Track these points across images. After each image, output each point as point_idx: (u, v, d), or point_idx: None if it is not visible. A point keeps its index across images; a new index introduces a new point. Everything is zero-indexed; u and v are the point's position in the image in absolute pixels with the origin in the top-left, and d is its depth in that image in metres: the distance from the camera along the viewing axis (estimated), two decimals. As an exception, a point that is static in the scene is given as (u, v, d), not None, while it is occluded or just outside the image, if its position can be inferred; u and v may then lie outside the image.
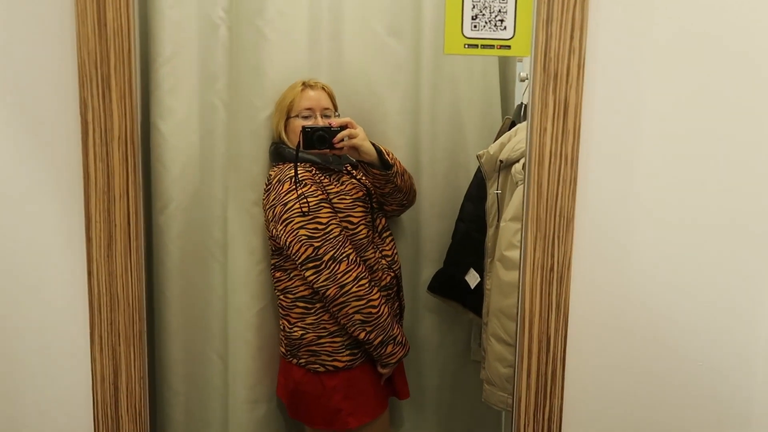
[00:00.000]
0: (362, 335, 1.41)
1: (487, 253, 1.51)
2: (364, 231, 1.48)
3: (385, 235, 1.55)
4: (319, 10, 1.61)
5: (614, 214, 1.04)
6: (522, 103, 1.49)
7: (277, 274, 1.48)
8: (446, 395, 1.77)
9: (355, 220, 1.46)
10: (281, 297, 1.49)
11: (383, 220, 1.55)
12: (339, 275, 1.38)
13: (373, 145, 1.49)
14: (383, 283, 1.49)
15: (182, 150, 1.59)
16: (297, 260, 1.39)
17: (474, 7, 0.94)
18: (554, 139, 0.99)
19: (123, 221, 0.99)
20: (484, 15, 0.96)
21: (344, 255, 1.39)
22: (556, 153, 0.99)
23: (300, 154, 1.47)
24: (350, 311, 1.39)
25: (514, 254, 1.33)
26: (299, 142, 1.44)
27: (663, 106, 1.01)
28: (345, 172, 1.53)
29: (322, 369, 1.46)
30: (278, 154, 1.52)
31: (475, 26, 0.96)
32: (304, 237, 1.38)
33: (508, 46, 0.96)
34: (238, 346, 1.60)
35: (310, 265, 1.38)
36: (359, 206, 1.48)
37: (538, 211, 1.01)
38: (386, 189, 1.53)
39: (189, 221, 1.60)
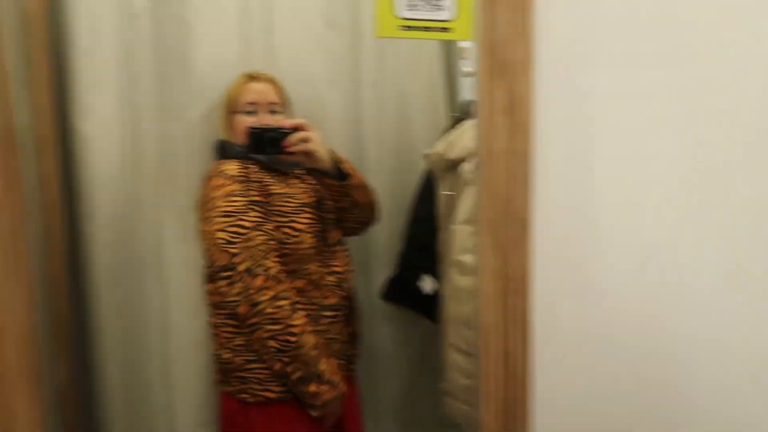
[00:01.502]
0: (278, 366, 1.16)
1: (441, 258, 1.38)
2: (311, 240, 1.23)
3: (337, 249, 1.32)
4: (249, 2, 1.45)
5: (576, 215, 0.91)
6: (469, 99, 1.35)
7: (208, 286, 1.25)
8: (404, 407, 1.64)
9: (299, 227, 1.22)
10: (212, 313, 1.27)
11: (337, 234, 1.33)
12: (252, 291, 1.13)
13: (330, 152, 1.28)
14: (327, 302, 1.25)
15: (107, 153, 1.43)
16: (212, 267, 1.17)
17: (410, -17, 0.79)
18: (504, 134, 0.85)
19: (4, 237, 0.81)
20: (420, -7, 0.81)
21: (262, 268, 1.14)
22: (507, 149, 0.86)
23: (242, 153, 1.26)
24: (263, 335, 1.14)
25: (469, 259, 1.20)
26: (247, 143, 1.23)
27: (625, 93, 0.88)
28: (294, 174, 1.31)
29: (251, 399, 1.21)
30: (223, 150, 1.31)
31: (411, 6, 0.82)
32: (221, 241, 1.14)
33: (448, 29, 0.82)
34: (180, 365, 1.45)
35: (224, 274, 1.13)
36: (307, 212, 1.24)
37: (490, 213, 0.87)
38: (343, 203, 1.31)
39: (119, 230, 1.45)
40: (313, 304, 1.23)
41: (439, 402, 1.39)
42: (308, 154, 1.23)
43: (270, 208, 1.20)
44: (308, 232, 1.23)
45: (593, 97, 0.88)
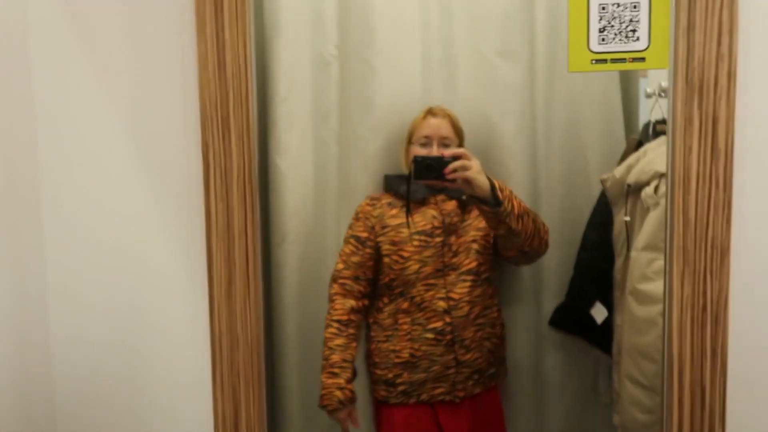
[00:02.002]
0: None
1: (616, 286, 1.34)
2: (415, 267, 1.38)
3: (459, 275, 1.40)
4: (428, 37, 1.55)
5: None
6: (650, 120, 1.32)
7: None
8: (573, 439, 1.60)
9: (406, 255, 1.39)
10: None
11: (471, 262, 1.41)
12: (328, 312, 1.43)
13: (489, 179, 1.35)
14: (430, 325, 1.38)
15: (298, 184, 1.59)
16: None
17: (601, 18, 0.82)
18: (702, 160, 0.84)
19: (242, 260, 0.96)
20: (613, 26, 0.84)
21: (331, 296, 1.43)
22: (705, 175, 0.84)
23: (398, 184, 1.43)
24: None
25: (649, 287, 1.17)
26: (410, 171, 1.36)
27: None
28: (429, 202, 1.44)
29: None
30: (385, 184, 1.48)
31: (603, 39, 0.84)
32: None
33: (643, 59, 0.83)
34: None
35: None
36: (418, 240, 1.39)
37: (685, 241, 0.85)
38: (499, 230, 1.38)
39: (304, 254, 1.57)
40: (416, 324, 1.39)
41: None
42: (467, 181, 1.32)
43: (379, 238, 1.41)
44: (415, 259, 1.38)
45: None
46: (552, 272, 1.57)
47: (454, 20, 1.56)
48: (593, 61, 0.85)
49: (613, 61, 0.85)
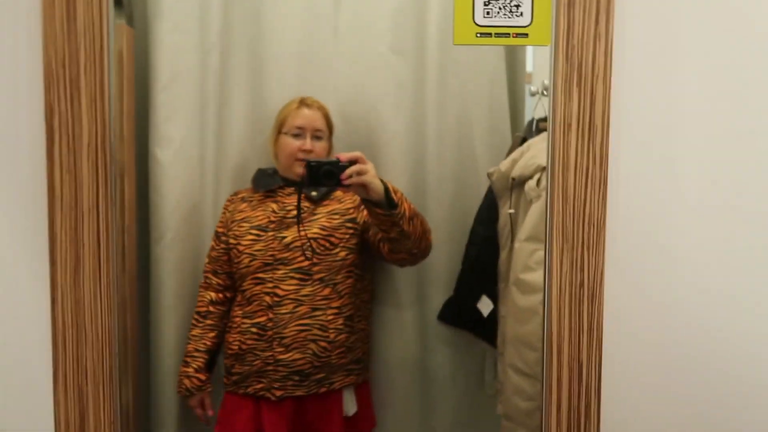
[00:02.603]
0: None
1: (500, 278, 1.33)
2: (246, 260, 1.37)
3: (288, 271, 1.37)
4: (316, 28, 1.49)
5: (652, 219, 0.86)
6: (533, 118, 1.34)
7: None
8: (461, 433, 1.57)
9: (241, 248, 1.36)
10: None
11: (303, 260, 1.36)
12: None
13: (383, 182, 1.31)
14: (256, 320, 1.35)
15: (178, 178, 1.47)
16: None
17: (485, -9, 0.79)
18: (580, 137, 0.83)
19: (92, 241, 0.82)
20: (497, 1, 0.81)
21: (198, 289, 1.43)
22: (583, 152, 0.83)
23: (260, 179, 1.40)
24: None
25: (531, 277, 1.16)
26: (302, 177, 1.29)
27: (705, 92, 0.85)
28: (277, 194, 1.40)
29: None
30: (254, 180, 1.43)
31: (488, 13, 0.82)
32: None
33: (526, 34, 0.82)
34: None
35: None
36: (252, 235, 1.37)
37: (563, 219, 0.84)
38: (392, 233, 1.34)
39: (184, 251, 1.46)
40: (245, 317, 1.37)
41: (497, 426, 1.32)
42: (363, 186, 1.27)
43: (229, 233, 1.39)
44: (247, 253, 1.35)
45: (675, 96, 0.85)
46: (441, 268, 1.54)
47: (344, 12, 1.51)
48: (478, 35, 0.82)
49: (498, 35, 0.82)
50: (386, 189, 1.30)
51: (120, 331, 1.39)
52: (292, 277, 1.35)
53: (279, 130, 1.41)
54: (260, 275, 1.37)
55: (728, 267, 0.87)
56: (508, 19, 0.82)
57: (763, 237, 0.87)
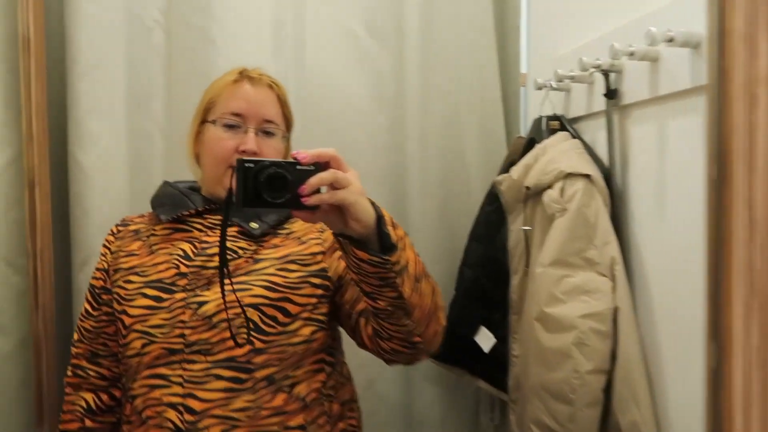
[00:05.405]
0: None
1: (511, 308, 1.07)
2: (137, 344, 0.78)
3: (212, 365, 0.74)
4: (280, 5, 1.18)
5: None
6: (541, 116, 1.08)
7: None
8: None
9: (128, 321, 0.79)
10: None
11: (239, 345, 0.75)
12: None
13: (374, 206, 0.67)
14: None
15: (107, 189, 1.12)
16: None
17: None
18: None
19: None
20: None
21: (64, 387, 0.88)
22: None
23: (164, 198, 0.86)
24: None
25: (561, 311, 0.89)
26: (230, 189, 0.66)
27: None
28: (193, 225, 0.83)
29: None
30: (154, 200, 0.89)
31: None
32: None
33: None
34: None
35: None
36: (147, 296, 0.78)
37: (750, 249, 0.43)
38: (381, 301, 0.70)
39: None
40: None
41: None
42: (340, 210, 0.65)
43: (113, 289, 0.83)
44: (137, 331, 0.77)
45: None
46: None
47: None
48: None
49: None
50: (379, 218, 0.67)
51: (34, 382, 1.05)
52: (219, 377, 0.73)
53: (204, 117, 0.85)
54: (161, 370, 0.75)
55: None
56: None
57: None
